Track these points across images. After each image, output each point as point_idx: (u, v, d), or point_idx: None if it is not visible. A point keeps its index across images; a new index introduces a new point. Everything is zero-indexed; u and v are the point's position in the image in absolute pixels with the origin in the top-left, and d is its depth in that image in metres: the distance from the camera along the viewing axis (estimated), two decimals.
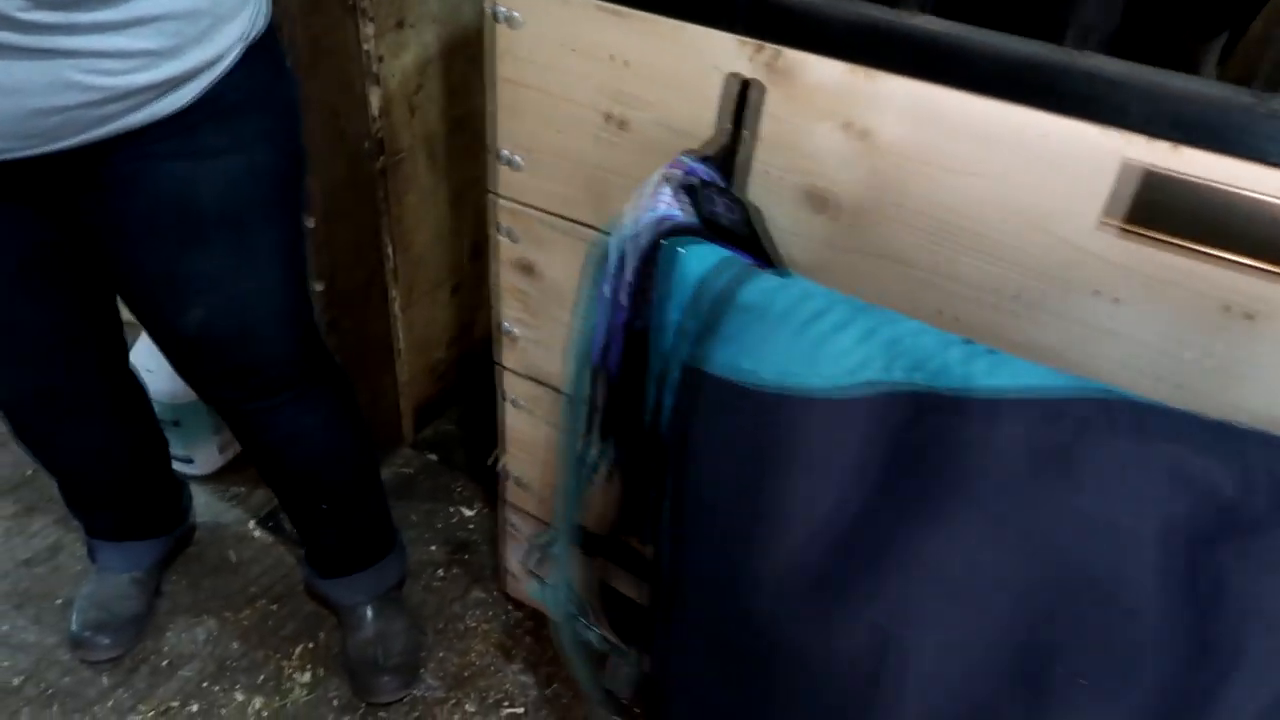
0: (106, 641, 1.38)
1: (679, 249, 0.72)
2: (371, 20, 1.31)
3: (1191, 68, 1.22)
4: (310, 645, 1.44)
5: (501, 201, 1.05)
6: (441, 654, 1.43)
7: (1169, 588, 0.61)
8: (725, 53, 0.80)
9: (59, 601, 1.47)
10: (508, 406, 1.22)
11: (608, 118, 0.91)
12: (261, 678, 1.39)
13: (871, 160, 0.78)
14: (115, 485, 1.36)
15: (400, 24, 1.36)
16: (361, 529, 1.38)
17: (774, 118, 0.81)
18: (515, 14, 0.91)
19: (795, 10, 0.76)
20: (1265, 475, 0.59)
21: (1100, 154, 0.69)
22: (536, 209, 1.02)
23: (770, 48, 0.78)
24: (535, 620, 1.48)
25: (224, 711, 1.34)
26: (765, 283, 0.69)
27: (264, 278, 1.05)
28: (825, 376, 0.65)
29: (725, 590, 0.73)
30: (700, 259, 0.71)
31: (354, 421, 1.28)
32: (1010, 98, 0.70)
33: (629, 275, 0.75)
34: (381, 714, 1.35)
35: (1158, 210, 0.69)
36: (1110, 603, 0.62)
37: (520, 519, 1.34)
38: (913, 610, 0.67)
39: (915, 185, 0.77)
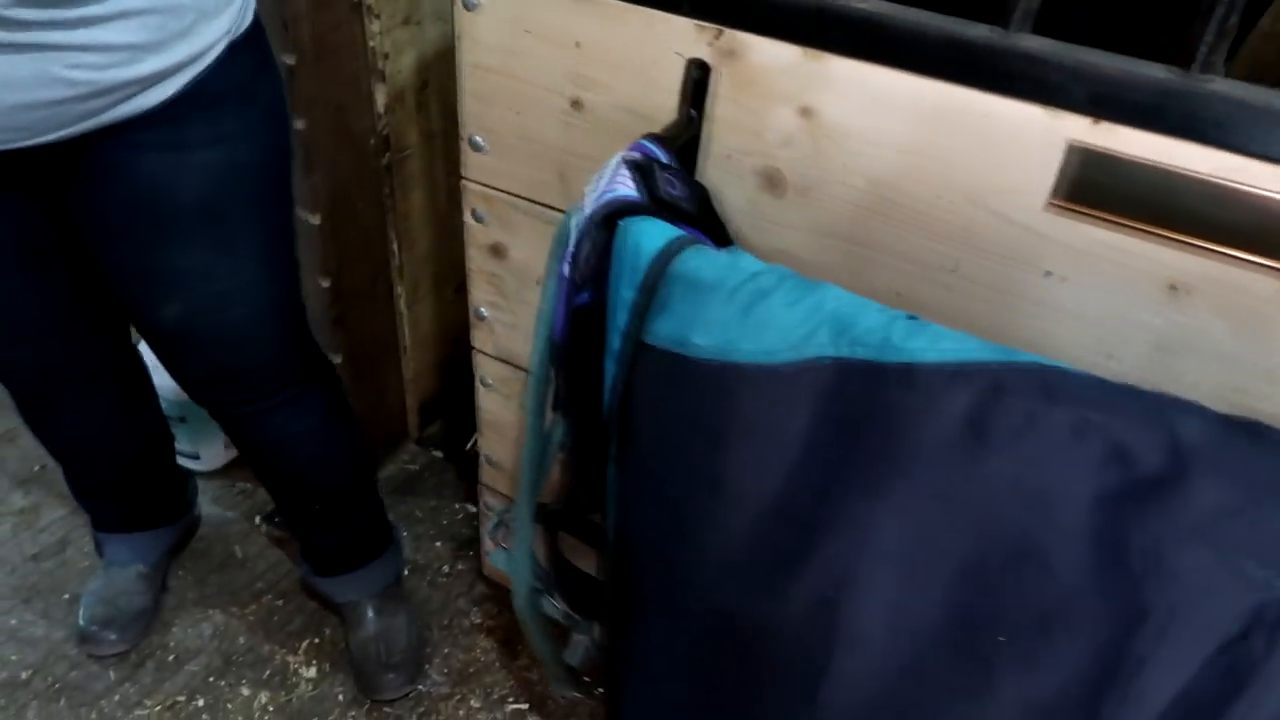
0: (113, 636, 1.39)
1: (631, 228, 0.73)
2: (377, 17, 1.31)
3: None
4: (316, 640, 1.44)
5: (471, 185, 1.06)
6: (446, 650, 1.44)
7: (1101, 555, 0.63)
8: (682, 37, 0.82)
9: (67, 596, 1.48)
10: (480, 388, 1.24)
11: (572, 103, 0.92)
12: (267, 673, 1.40)
13: (820, 141, 0.79)
14: (119, 469, 1.36)
15: (406, 21, 1.36)
16: (356, 528, 1.38)
17: (729, 101, 0.82)
18: None
19: None
20: (1194, 444, 0.61)
21: (1042, 134, 0.71)
22: (505, 192, 1.04)
23: (723, 31, 0.79)
24: None
25: (230, 706, 1.35)
26: (707, 256, 0.70)
27: (245, 276, 1.03)
28: (768, 349, 0.66)
29: (673, 560, 0.74)
30: (651, 237, 0.72)
31: (347, 425, 1.27)
32: (953, 79, 0.72)
33: (585, 255, 0.77)
34: (387, 710, 1.35)
35: (1100, 190, 0.71)
36: (1044, 570, 0.63)
37: (494, 498, 1.36)
38: (857, 578, 0.69)
39: (863, 165, 0.79)
